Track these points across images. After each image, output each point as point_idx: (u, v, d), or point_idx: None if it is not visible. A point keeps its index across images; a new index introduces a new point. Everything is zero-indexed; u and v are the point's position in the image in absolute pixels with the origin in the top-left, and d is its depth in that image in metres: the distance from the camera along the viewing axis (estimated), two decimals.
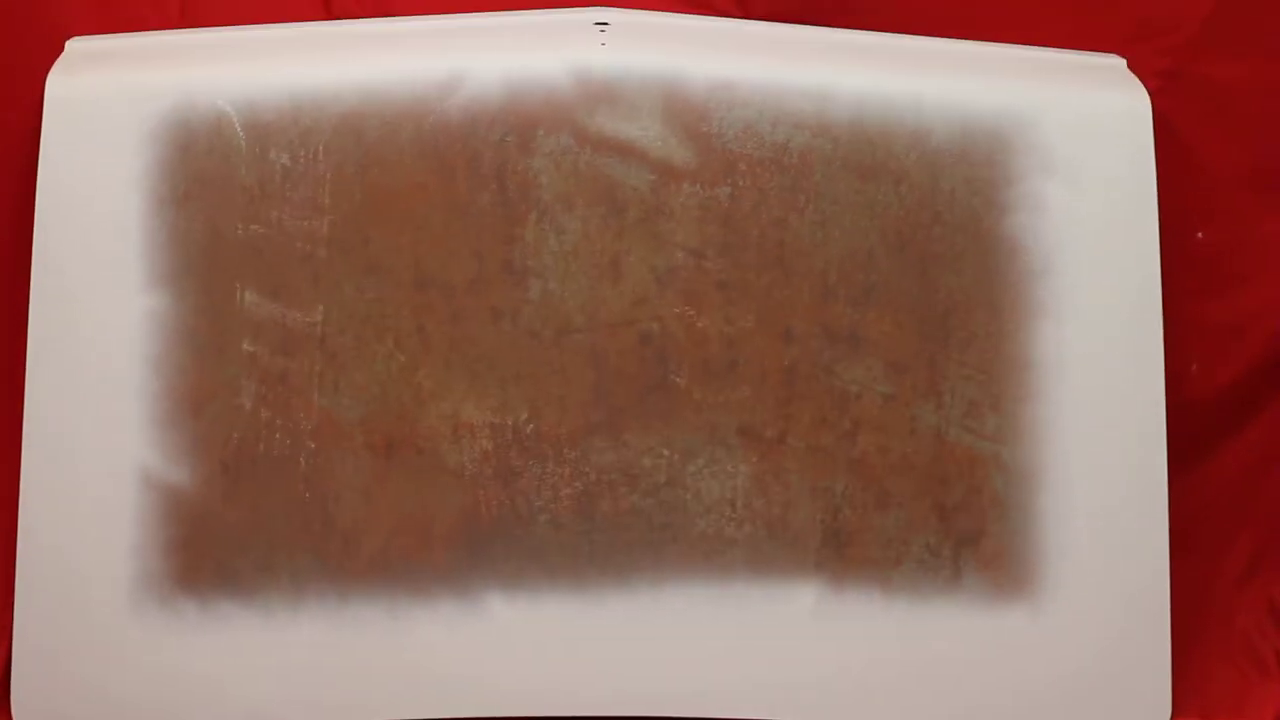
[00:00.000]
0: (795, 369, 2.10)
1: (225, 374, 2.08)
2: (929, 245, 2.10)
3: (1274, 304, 2.33)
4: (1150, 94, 2.13)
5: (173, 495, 2.07)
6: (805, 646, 2.11)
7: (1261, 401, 2.38)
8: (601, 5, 2.16)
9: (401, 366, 2.08)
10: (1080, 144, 2.11)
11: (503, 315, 2.08)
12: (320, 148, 2.07)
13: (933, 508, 2.11)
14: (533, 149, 2.08)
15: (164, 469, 2.07)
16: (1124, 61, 2.20)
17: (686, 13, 2.21)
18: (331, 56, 2.10)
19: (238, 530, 2.08)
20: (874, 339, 2.10)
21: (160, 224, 2.07)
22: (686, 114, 2.08)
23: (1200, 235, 2.31)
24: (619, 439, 2.09)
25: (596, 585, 2.10)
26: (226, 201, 2.07)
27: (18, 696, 2.08)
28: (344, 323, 2.08)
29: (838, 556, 2.11)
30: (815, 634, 2.11)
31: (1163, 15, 2.27)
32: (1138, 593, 2.11)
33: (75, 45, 2.15)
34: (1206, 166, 2.30)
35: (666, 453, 2.10)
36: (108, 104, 2.07)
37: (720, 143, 2.09)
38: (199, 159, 2.07)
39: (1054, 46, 2.22)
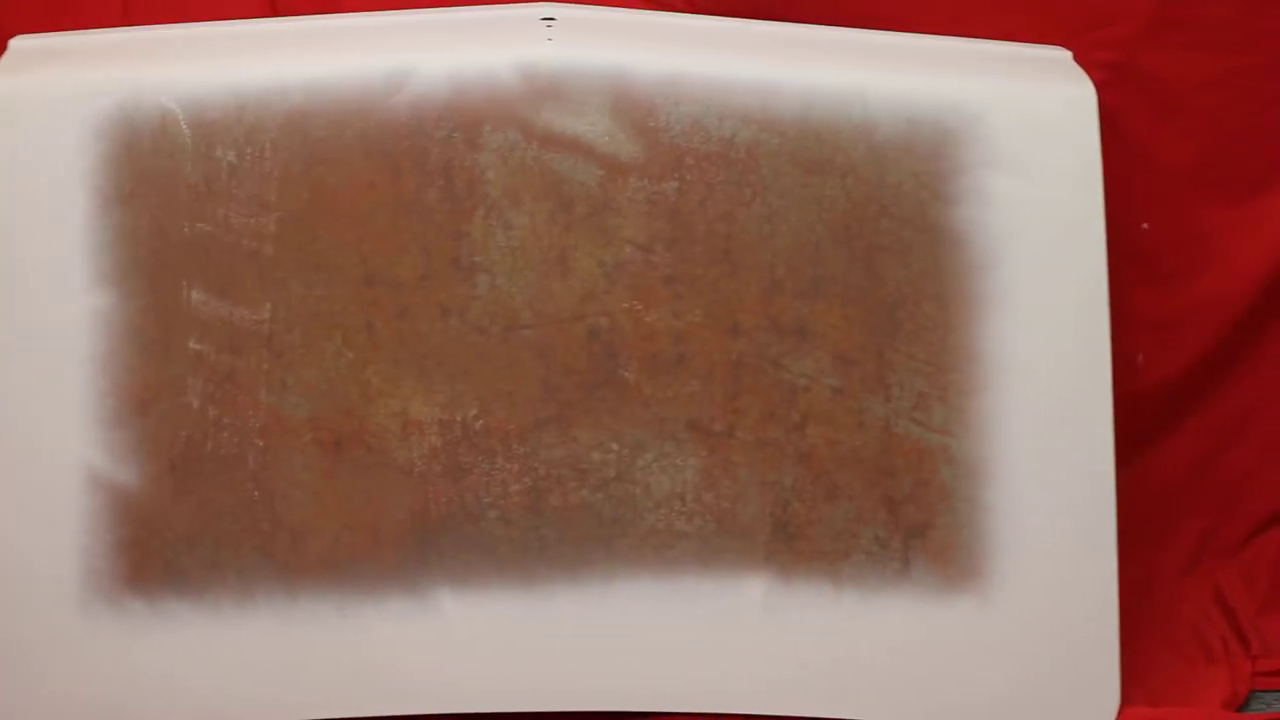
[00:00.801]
0: (743, 362, 2.10)
1: (172, 373, 2.07)
2: (876, 238, 2.10)
3: (1219, 294, 2.35)
4: (1096, 86, 2.13)
5: (120, 495, 2.07)
6: (755, 639, 2.11)
7: (1208, 391, 2.40)
8: (548, 1, 2.16)
9: (350, 364, 2.08)
10: (1026, 136, 2.11)
11: (451, 312, 2.08)
12: (266, 145, 2.06)
13: (881, 500, 2.12)
14: (480, 145, 2.07)
15: (111, 468, 2.06)
16: (1070, 54, 2.21)
17: (633, 8, 2.21)
18: (277, 53, 2.09)
19: (186, 529, 2.07)
20: (822, 332, 2.10)
21: (105, 222, 2.06)
22: (633, 109, 2.08)
23: (1146, 226, 2.33)
24: (568, 434, 2.09)
25: (546, 580, 2.10)
26: (172, 199, 2.06)
27: None
28: (291, 320, 2.07)
29: (787, 549, 2.11)
30: (765, 627, 2.11)
31: (1108, 7, 2.27)
32: (1086, 582, 2.12)
33: (19, 44, 2.13)
34: (1152, 158, 2.31)
35: (616, 447, 2.10)
36: (52, 102, 2.06)
37: (667, 137, 2.09)
38: (144, 157, 2.06)
39: (1000, 39, 2.23)
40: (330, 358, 2.08)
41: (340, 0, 2.23)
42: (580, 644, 2.11)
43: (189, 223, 2.06)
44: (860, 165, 2.10)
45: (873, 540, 2.12)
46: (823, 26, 2.20)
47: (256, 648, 2.08)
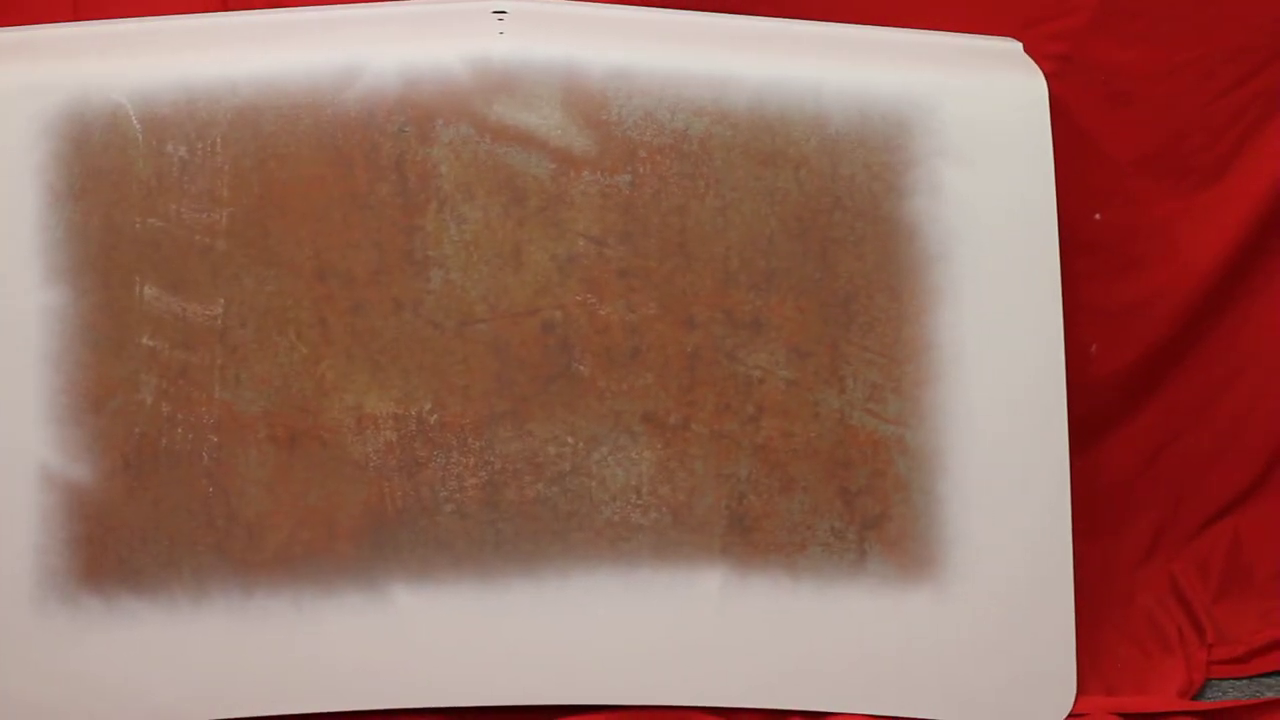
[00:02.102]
0: (698, 355, 2.10)
1: (125, 369, 2.06)
2: (829, 230, 2.11)
3: (1171, 285, 2.36)
4: (1047, 77, 2.14)
5: (74, 492, 2.06)
6: (712, 632, 2.12)
7: (1160, 381, 2.41)
8: None
9: (303, 358, 2.08)
10: (978, 127, 2.11)
11: (404, 306, 2.08)
12: (218, 140, 2.06)
13: (837, 492, 2.12)
14: (432, 139, 2.07)
15: (65, 466, 2.06)
16: (1020, 45, 2.22)
17: (585, 0, 2.21)
18: (227, 48, 2.09)
19: (140, 526, 2.07)
20: (776, 324, 2.10)
21: (57, 219, 2.05)
22: (586, 102, 2.08)
23: (1098, 217, 2.34)
24: (523, 428, 2.09)
25: (502, 574, 2.10)
26: (123, 195, 2.06)
27: None
28: (245, 315, 2.07)
29: (743, 542, 2.12)
30: (722, 619, 2.12)
31: None
32: (1041, 572, 2.13)
33: None
34: (1103, 149, 2.32)
35: (571, 441, 2.10)
36: (1, 98, 2.05)
37: (620, 130, 2.09)
38: (95, 153, 2.05)
39: (951, 30, 2.23)
40: (284, 353, 2.07)
41: None
42: (537, 638, 2.11)
43: (141, 218, 2.06)
44: (813, 157, 2.10)
45: (829, 532, 2.12)
46: (775, 19, 2.21)
47: (212, 644, 2.08)
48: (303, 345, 2.07)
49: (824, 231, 2.11)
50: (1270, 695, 2.22)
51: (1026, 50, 2.21)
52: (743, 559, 2.12)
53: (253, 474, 2.08)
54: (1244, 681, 2.27)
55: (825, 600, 2.12)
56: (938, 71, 2.14)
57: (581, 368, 2.10)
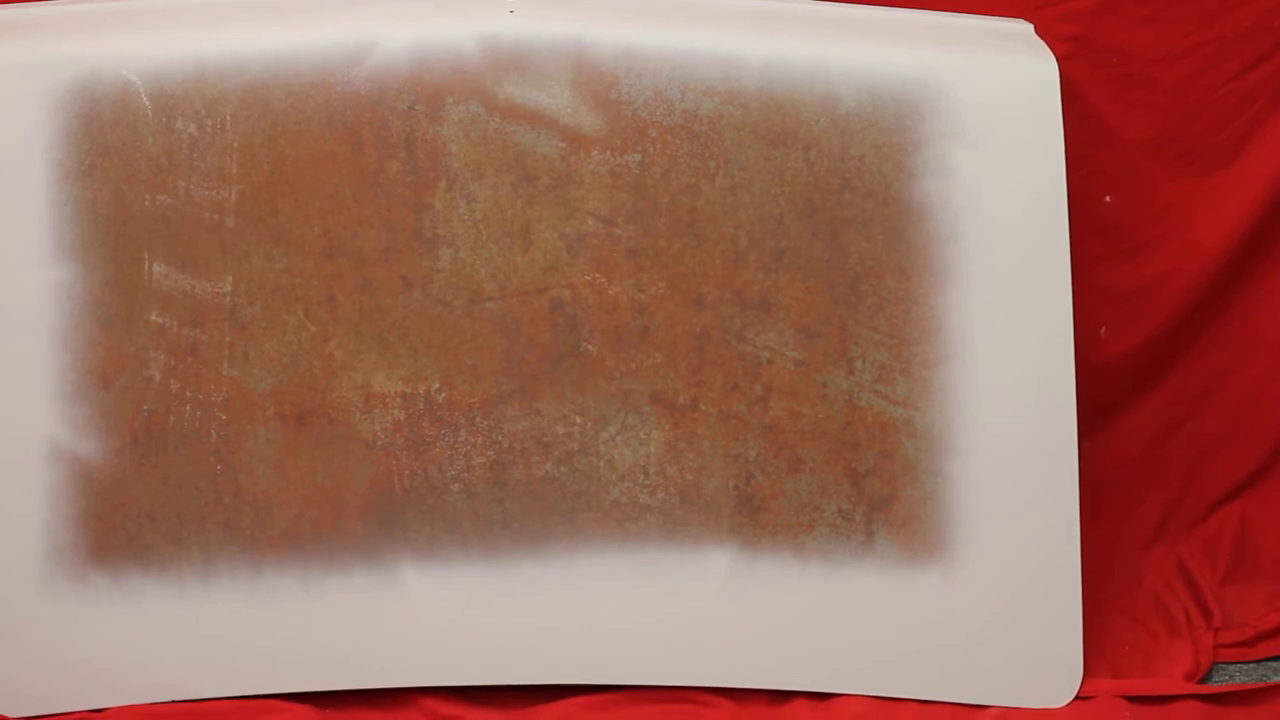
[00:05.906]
0: (707, 335, 2.10)
1: (134, 346, 2.06)
2: (839, 211, 2.10)
3: (1181, 267, 2.36)
4: (1058, 59, 2.14)
5: (83, 469, 2.06)
6: (719, 612, 2.12)
7: (1170, 364, 2.41)
8: None
9: (312, 336, 2.08)
10: (989, 109, 2.11)
11: (413, 284, 2.08)
12: (227, 117, 2.06)
13: (845, 473, 2.12)
14: (442, 117, 2.07)
15: (73, 442, 2.06)
16: (1031, 27, 2.21)
17: None
18: (238, 25, 2.09)
19: (149, 503, 2.07)
20: (785, 305, 2.10)
21: (66, 195, 2.05)
22: (595, 81, 2.08)
23: (1108, 199, 2.33)
24: (531, 407, 2.09)
25: (510, 554, 2.10)
26: (133, 172, 2.06)
27: None
28: (254, 293, 2.07)
29: (751, 522, 2.12)
30: (729, 599, 2.12)
31: None
32: (1049, 555, 2.13)
33: None
34: (1114, 131, 2.31)
35: (579, 420, 2.10)
36: (11, 74, 2.05)
37: (630, 110, 2.09)
38: (104, 129, 2.05)
39: (962, 11, 2.23)
40: (292, 331, 2.07)
41: None
42: (544, 618, 2.11)
43: (150, 195, 2.06)
44: (823, 138, 2.10)
45: (836, 513, 2.12)
46: None
47: (220, 621, 2.08)
48: (311, 323, 2.08)
49: (833, 212, 2.10)
50: (1277, 679, 2.21)
51: (1038, 32, 2.21)
52: (750, 540, 2.12)
53: (261, 452, 2.08)
54: (1251, 665, 2.27)
55: (832, 581, 2.12)
56: (949, 53, 2.13)
57: (590, 347, 2.10)
